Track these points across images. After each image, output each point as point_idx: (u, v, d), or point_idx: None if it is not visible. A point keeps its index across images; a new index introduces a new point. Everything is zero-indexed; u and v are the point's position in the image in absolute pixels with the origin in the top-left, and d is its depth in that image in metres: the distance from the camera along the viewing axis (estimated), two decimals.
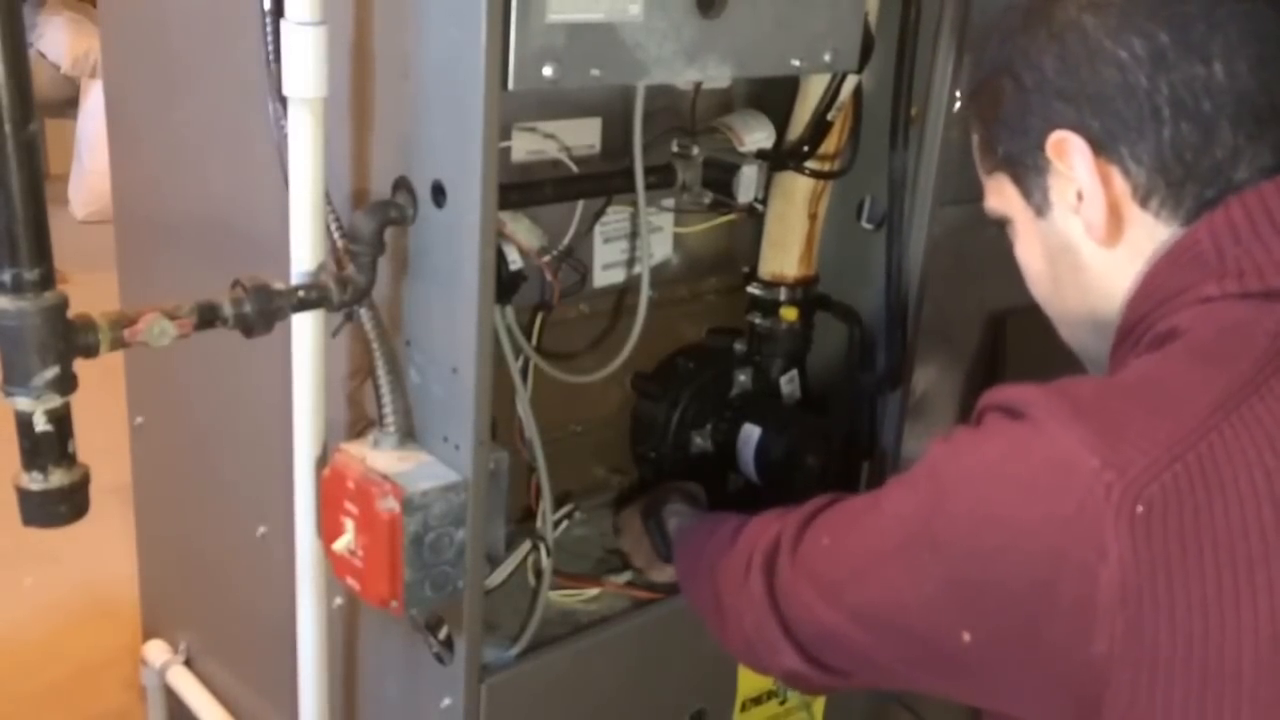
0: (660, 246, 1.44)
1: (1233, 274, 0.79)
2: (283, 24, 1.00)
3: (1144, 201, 0.83)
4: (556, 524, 1.37)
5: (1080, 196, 0.84)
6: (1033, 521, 0.73)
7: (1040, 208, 0.89)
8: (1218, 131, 0.80)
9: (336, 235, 1.08)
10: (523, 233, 1.21)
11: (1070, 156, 0.84)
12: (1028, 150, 0.87)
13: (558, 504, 1.38)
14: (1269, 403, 0.74)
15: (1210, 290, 0.79)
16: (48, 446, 0.92)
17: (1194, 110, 0.80)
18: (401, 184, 1.06)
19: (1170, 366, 0.78)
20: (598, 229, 1.35)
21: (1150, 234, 0.83)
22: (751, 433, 1.41)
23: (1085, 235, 0.85)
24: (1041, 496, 0.73)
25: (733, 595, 1.02)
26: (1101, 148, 0.83)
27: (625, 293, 1.42)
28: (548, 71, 0.99)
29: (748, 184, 1.28)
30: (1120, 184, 0.83)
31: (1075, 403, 0.75)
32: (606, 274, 1.39)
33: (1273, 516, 0.71)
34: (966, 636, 0.77)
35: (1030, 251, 0.92)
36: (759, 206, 1.37)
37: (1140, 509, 0.69)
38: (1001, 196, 0.93)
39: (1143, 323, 0.83)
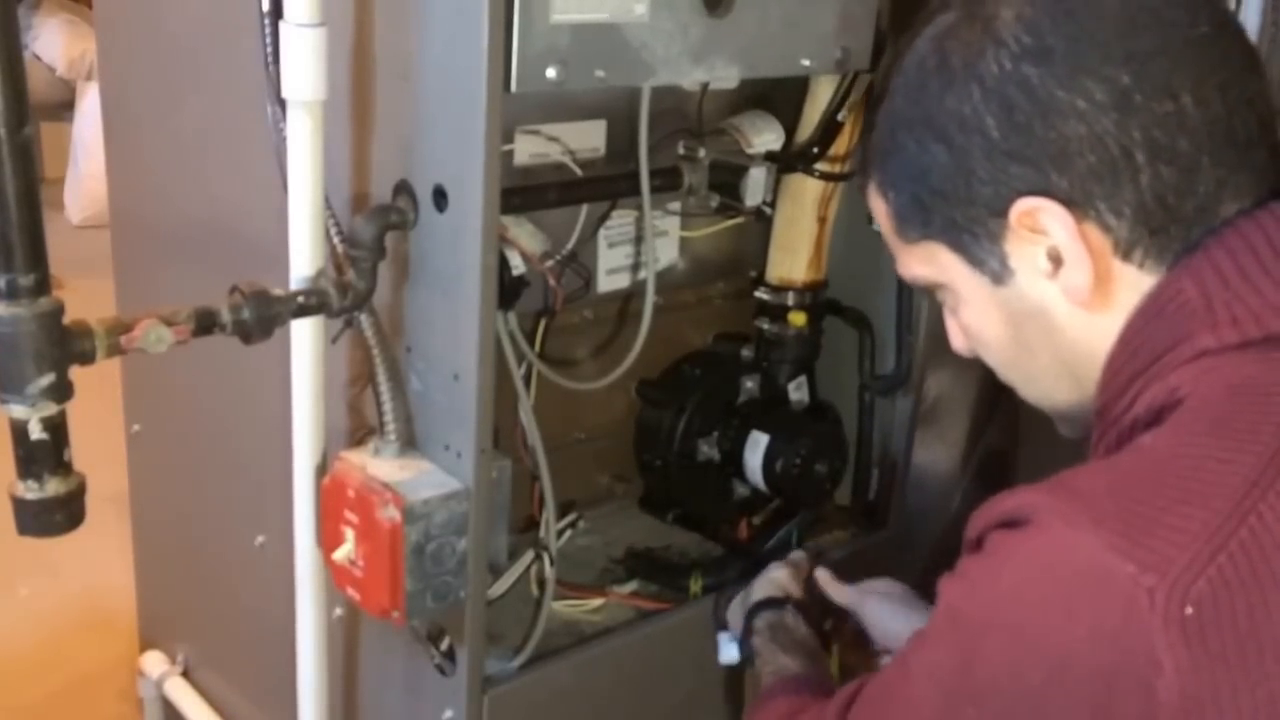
0: (666, 251, 1.42)
1: (1225, 322, 0.74)
2: (282, 25, 1.00)
3: (1126, 254, 0.77)
4: (560, 533, 1.36)
5: (1057, 261, 0.79)
6: (1077, 643, 0.68)
7: (998, 275, 0.82)
8: (1199, 169, 0.75)
9: (336, 240, 1.08)
10: (525, 237, 1.20)
11: (1044, 225, 0.78)
12: (976, 219, 0.80)
13: (561, 513, 1.37)
14: None
15: (1206, 342, 0.74)
16: (43, 455, 0.92)
17: (1171, 151, 0.75)
18: (402, 188, 1.05)
19: (1184, 441, 0.72)
20: (602, 233, 1.34)
21: (1135, 287, 0.78)
22: (759, 440, 1.39)
23: (1061, 299, 0.80)
24: (1080, 615, 0.68)
25: None
26: (1074, 206, 0.77)
27: (630, 298, 1.40)
28: (551, 73, 0.98)
29: (755, 187, 1.27)
30: (1099, 240, 0.77)
31: (1089, 502, 0.70)
32: (611, 279, 1.38)
33: None
34: None
35: (984, 319, 0.85)
36: (767, 210, 1.36)
37: (1189, 610, 0.65)
38: (934, 265, 0.85)
39: (1134, 384, 0.78)
